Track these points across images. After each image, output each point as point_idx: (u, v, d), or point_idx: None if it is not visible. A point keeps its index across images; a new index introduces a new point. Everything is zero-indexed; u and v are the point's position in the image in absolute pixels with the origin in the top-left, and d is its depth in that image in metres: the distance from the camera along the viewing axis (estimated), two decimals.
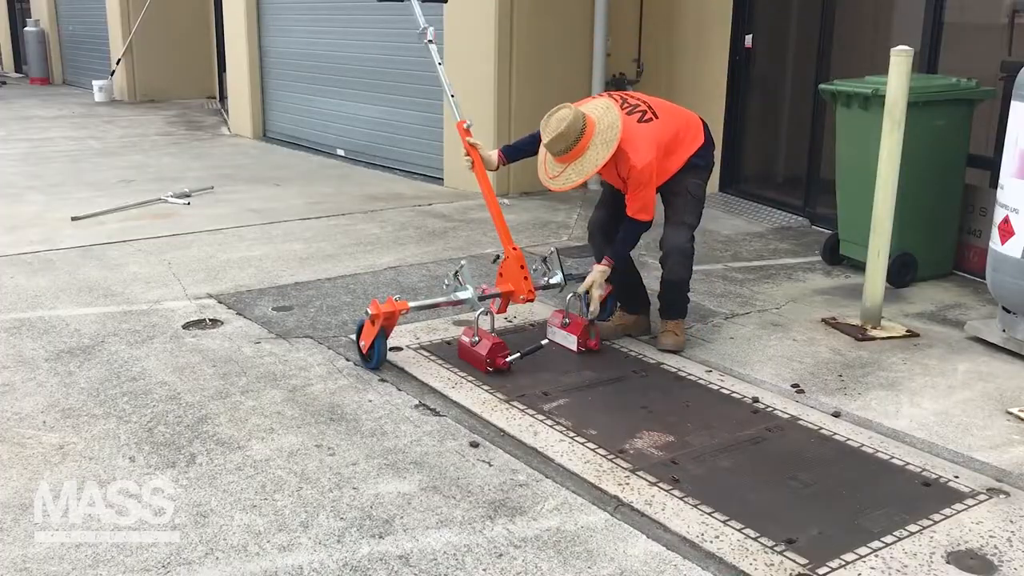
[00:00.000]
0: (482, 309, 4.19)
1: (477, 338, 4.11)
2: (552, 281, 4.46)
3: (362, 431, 3.56)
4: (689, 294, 4.45)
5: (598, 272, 4.23)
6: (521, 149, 4.44)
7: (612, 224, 4.36)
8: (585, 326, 4.31)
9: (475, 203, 7.37)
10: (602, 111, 4.07)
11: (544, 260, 4.51)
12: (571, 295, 4.39)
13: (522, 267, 4.30)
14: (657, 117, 4.15)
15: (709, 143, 4.34)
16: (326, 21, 10.02)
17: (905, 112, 4.43)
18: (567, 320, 4.37)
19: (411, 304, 4.19)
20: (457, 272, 4.26)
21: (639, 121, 4.09)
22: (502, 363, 4.05)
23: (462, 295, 4.24)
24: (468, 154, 4.41)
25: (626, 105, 4.15)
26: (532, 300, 4.36)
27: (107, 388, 3.92)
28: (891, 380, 4.07)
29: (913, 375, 4.13)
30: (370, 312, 4.04)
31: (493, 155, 4.42)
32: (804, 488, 3.17)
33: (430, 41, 4.67)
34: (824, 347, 4.45)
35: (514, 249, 4.33)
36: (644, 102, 4.21)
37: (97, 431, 3.53)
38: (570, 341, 4.32)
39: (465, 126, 4.47)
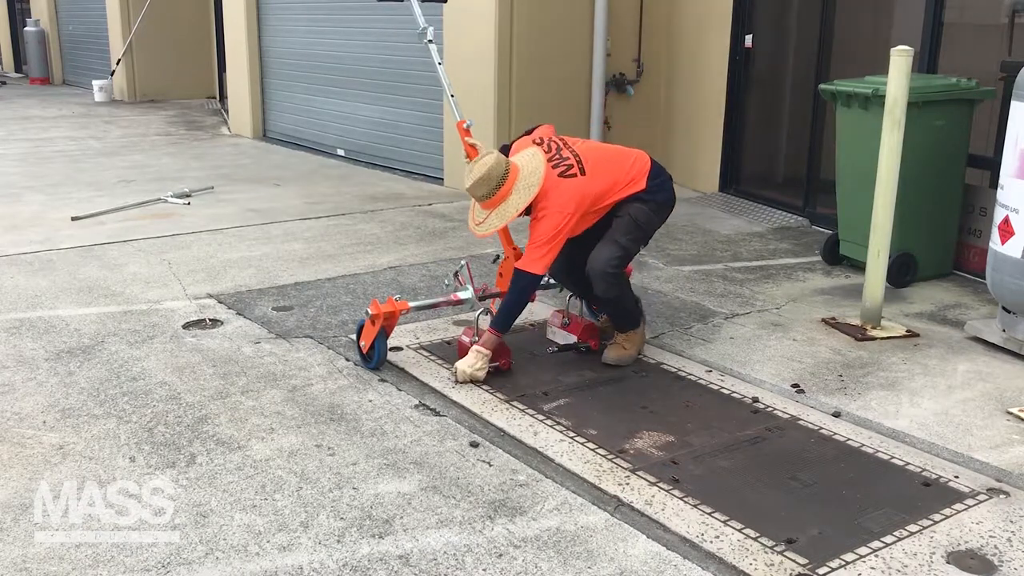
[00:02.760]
0: (482, 309, 4.19)
1: (477, 338, 4.11)
2: (551, 281, 4.46)
3: (362, 431, 3.56)
4: (637, 305, 4.25)
5: (473, 355, 3.96)
6: None
7: (573, 262, 4.14)
8: (585, 326, 4.31)
9: None
10: (527, 158, 3.98)
11: None
12: (571, 295, 4.40)
13: None
14: (584, 173, 3.94)
15: (654, 187, 4.06)
16: (326, 21, 10.02)
17: (905, 112, 4.43)
18: (567, 320, 4.37)
19: (411, 304, 4.20)
20: (457, 272, 4.27)
21: (561, 175, 3.92)
22: (503, 363, 4.05)
23: (462, 295, 4.25)
24: (468, 156, 4.41)
25: (555, 157, 4.00)
26: (532, 300, 4.36)
27: (107, 388, 3.92)
28: (891, 380, 4.07)
29: (913, 375, 4.13)
30: (370, 312, 4.04)
31: None
32: (804, 488, 3.17)
33: (430, 41, 4.66)
34: (824, 347, 4.45)
35: (514, 249, 4.33)
36: (575, 155, 4.00)
37: (97, 431, 3.53)
38: (570, 340, 4.32)
39: (465, 126, 4.47)
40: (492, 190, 3.89)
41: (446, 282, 4.30)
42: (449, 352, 4.30)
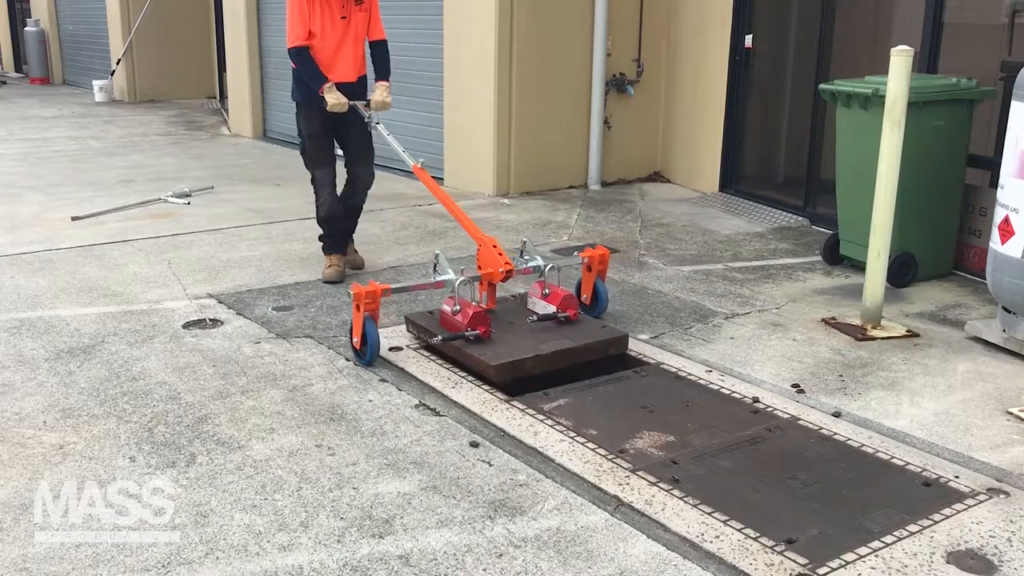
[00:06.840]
0: (462, 279, 4.28)
1: (459, 307, 4.14)
2: (532, 264, 4.58)
3: (362, 431, 3.56)
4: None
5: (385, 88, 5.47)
6: None
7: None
8: (564, 297, 4.38)
9: (475, 203, 7.37)
10: None
11: (521, 253, 4.65)
12: (550, 267, 4.49)
13: (495, 246, 4.44)
14: None
15: None
16: None
17: (905, 112, 4.43)
18: (547, 291, 4.44)
19: (392, 286, 4.24)
20: (436, 265, 4.39)
21: None
22: (483, 332, 4.07)
23: (443, 277, 4.35)
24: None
25: None
26: (511, 271, 4.40)
27: (107, 388, 3.92)
28: (891, 380, 4.07)
29: (913, 375, 4.13)
30: (352, 293, 4.06)
31: None
32: (804, 488, 3.17)
33: (377, 123, 5.29)
34: (824, 347, 4.45)
35: (487, 237, 4.50)
36: None
37: (97, 431, 3.53)
38: (549, 310, 4.37)
39: (419, 165, 4.95)
40: None
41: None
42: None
